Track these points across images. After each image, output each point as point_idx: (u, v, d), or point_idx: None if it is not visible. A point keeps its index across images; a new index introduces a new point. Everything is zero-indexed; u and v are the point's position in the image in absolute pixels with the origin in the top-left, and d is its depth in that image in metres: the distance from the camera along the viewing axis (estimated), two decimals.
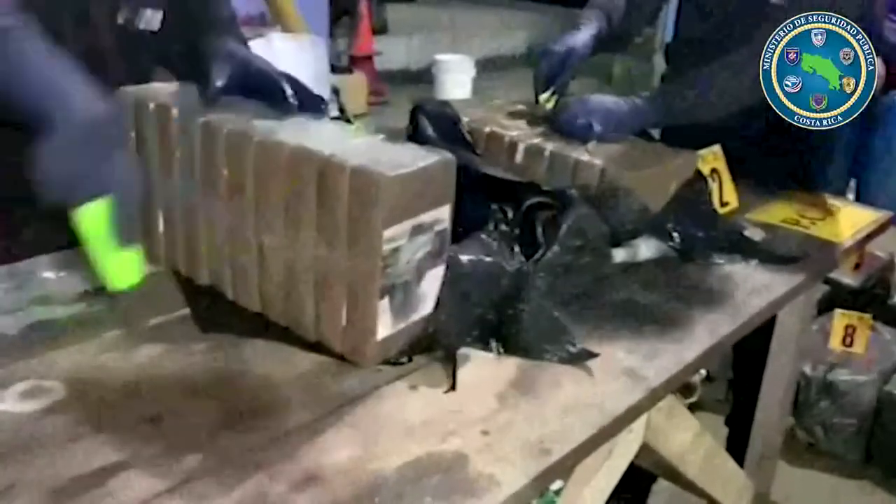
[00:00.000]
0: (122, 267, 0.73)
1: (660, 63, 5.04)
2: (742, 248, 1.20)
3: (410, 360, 0.85)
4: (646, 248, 1.15)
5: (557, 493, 1.60)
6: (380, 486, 0.67)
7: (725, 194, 1.34)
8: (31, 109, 0.70)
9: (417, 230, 0.80)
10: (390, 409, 0.78)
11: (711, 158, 1.31)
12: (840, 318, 1.69)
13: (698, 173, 1.22)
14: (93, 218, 0.71)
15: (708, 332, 0.98)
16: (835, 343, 1.71)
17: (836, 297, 2.37)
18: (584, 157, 1.13)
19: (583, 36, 1.39)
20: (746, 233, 1.26)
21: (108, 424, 0.72)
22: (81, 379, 0.79)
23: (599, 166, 1.10)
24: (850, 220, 1.40)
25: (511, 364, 0.86)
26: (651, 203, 1.13)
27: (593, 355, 0.87)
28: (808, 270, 1.19)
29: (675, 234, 1.17)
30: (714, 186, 1.30)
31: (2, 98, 0.71)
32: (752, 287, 1.11)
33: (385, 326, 0.81)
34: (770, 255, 1.19)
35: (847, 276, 2.43)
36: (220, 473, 0.67)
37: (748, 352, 1.59)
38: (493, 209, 0.97)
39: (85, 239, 0.72)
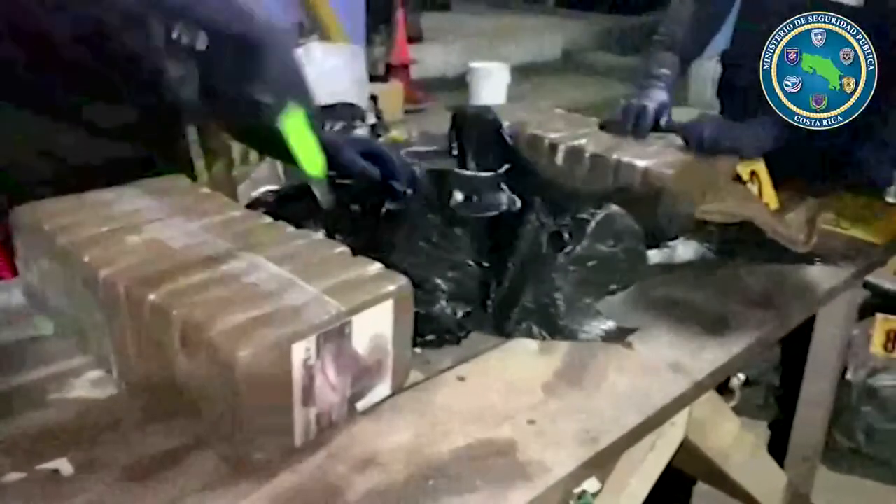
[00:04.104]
0: (315, 156, 0.77)
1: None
2: (781, 248, 1.21)
3: (458, 342, 0.90)
4: (683, 251, 1.16)
5: (595, 495, 1.61)
6: (435, 469, 0.70)
7: (765, 196, 1.34)
8: (216, 29, 0.74)
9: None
10: (441, 397, 0.81)
11: (750, 160, 1.32)
12: (882, 323, 1.67)
13: (737, 176, 1.24)
14: (296, 121, 0.75)
15: (750, 328, 0.99)
16: (877, 348, 1.69)
17: (878, 302, 2.34)
18: (626, 159, 1.15)
19: (667, 86, 1.48)
20: None
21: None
22: None
23: (641, 167, 1.12)
24: (893, 221, 1.39)
25: (556, 357, 0.89)
26: (693, 205, 1.14)
27: (630, 331, 0.91)
28: (848, 271, 1.20)
29: (714, 235, 1.18)
30: (754, 189, 1.31)
31: (185, 16, 0.74)
32: (793, 286, 1.12)
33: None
34: (810, 255, 1.20)
35: (889, 281, 2.40)
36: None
37: (795, 359, 1.58)
38: (534, 202, 1.01)
39: (287, 139, 0.75)
